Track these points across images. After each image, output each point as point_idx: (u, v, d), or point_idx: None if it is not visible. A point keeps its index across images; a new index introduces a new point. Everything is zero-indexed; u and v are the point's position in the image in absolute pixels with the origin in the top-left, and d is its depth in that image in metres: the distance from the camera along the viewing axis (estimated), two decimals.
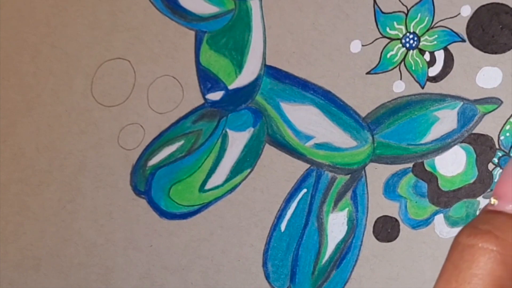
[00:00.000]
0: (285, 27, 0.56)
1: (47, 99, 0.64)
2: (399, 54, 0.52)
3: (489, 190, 0.52)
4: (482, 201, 0.50)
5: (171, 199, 0.59)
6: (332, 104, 0.54)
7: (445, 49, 0.51)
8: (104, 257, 0.62)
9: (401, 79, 0.52)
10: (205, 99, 0.59)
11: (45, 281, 0.64)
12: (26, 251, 0.65)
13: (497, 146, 0.49)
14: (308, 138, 0.55)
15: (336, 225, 0.54)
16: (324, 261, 0.54)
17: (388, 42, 0.53)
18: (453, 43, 0.51)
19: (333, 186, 0.54)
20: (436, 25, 0.51)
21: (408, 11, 0.52)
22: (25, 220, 0.65)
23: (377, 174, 0.53)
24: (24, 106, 0.65)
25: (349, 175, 0.54)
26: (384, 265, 0.53)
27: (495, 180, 0.49)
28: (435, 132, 0.51)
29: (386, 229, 0.53)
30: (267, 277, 0.56)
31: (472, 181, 0.50)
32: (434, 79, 0.51)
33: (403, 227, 0.53)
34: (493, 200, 0.40)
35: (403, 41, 0.52)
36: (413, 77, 0.52)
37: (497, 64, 0.49)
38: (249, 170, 0.57)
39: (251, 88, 0.57)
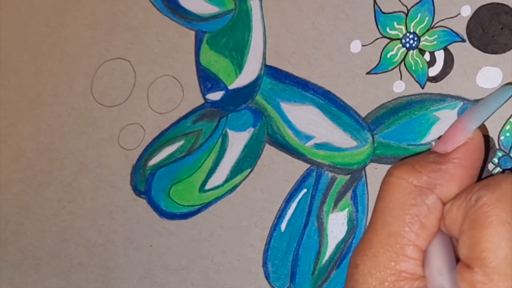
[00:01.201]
0: (285, 27, 0.56)
1: (47, 99, 0.64)
2: (399, 54, 0.52)
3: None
4: None
5: (171, 199, 0.59)
6: (332, 104, 0.54)
7: (445, 49, 0.51)
8: (104, 257, 0.62)
9: (401, 79, 0.52)
10: (205, 99, 0.59)
11: (45, 281, 0.64)
12: (26, 251, 0.65)
13: (497, 146, 0.49)
14: (308, 138, 0.55)
15: (336, 225, 0.54)
16: (324, 261, 0.54)
17: (388, 42, 0.53)
18: (453, 43, 0.51)
19: (333, 186, 0.54)
20: (436, 25, 0.51)
21: (408, 11, 0.52)
22: (25, 220, 0.65)
23: (377, 174, 0.53)
24: (24, 106, 0.65)
25: (349, 175, 0.54)
26: None
27: None
28: (436, 132, 0.51)
29: None
30: (267, 277, 0.56)
31: None
32: (434, 79, 0.51)
33: None
34: (433, 142, 0.42)
35: (403, 41, 0.52)
36: (413, 77, 0.52)
37: (497, 64, 0.49)
38: (249, 170, 0.57)
39: (251, 88, 0.57)
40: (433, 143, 0.42)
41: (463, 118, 0.42)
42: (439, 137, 0.43)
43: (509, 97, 0.44)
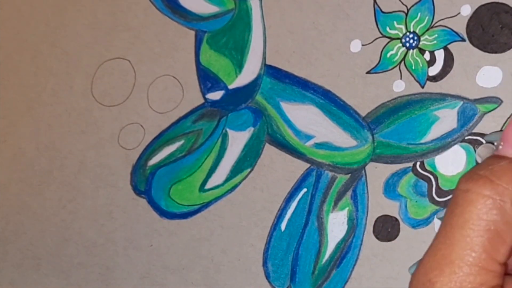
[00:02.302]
0: (285, 27, 0.56)
1: (47, 99, 0.64)
2: (399, 54, 0.52)
3: (491, 132, 0.52)
4: None
5: (171, 199, 0.59)
6: (332, 104, 0.54)
7: (445, 49, 0.51)
8: (104, 256, 0.62)
9: (401, 78, 0.52)
10: (205, 98, 0.59)
11: (45, 280, 0.64)
12: (26, 250, 0.65)
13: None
14: (308, 137, 0.55)
15: (336, 225, 0.54)
16: (324, 260, 0.54)
17: (388, 42, 0.53)
18: (453, 42, 0.51)
19: (333, 185, 0.54)
20: (436, 24, 0.51)
21: (408, 10, 0.52)
22: (25, 220, 0.65)
23: (377, 174, 0.53)
24: (24, 106, 0.65)
25: (349, 175, 0.54)
26: (384, 265, 0.53)
27: None
28: (435, 131, 0.51)
29: (386, 229, 0.53)
30: (267, 276, 0.56)
31: None
32: (434, 78, 0.51)
33: (403, 227, 0.53)
34: (499, 146, 0.39)
35: (403, 40, 0.52)
36: (413, 76, 0.52)
37: (497, 63, 0.49)
38: (249, 170, 0.57)
39: (251, 87, 0.57)
40: (497, 145, 0.41)
41: None
42: (495, 132, 0.42)
43: None
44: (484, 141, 0.51)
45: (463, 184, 0.38)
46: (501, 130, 0.48)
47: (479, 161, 0.46)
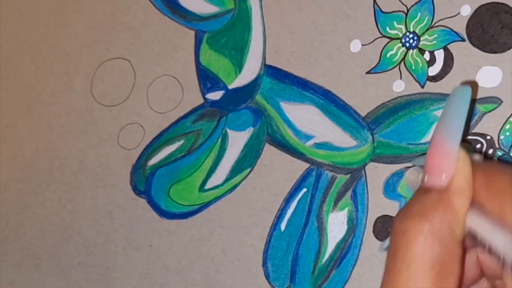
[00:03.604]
0: (285, 27, 0.56)
1: (47, 99, 0.64)
2: (399, 54, 0.52)
3: (419, 155, 0.52)
4: None
5: (171, 199, 0.59)
6: (332, 104, 0.54)
7: (445, 49, 0.51)
8: (104, 256, 0.62)
9: (401, 78, 0.52)
10: (205, 98, 0.59)
11: (45, 280, 0.64)
12: (26, 250, 0.65)
13: (497, 146, 0.49)
14: (308, 137, 0.55)
15: (336, 225, 0.54)
16: (324, 260, 0.54)
17: (388, 42, 0.53)
18: (453, 42, 0.51)
19: (333, 185, 0.54)
20: (436, 24, 0.51)
21: (408, 10, 0.52)
22: (25, 220, 0.65)
23: (377, 174, 0.53)
24: (24, 106, 0.65)
25: (349, 175, 0.54)
26: (384, 265, 0.53)
27: None
28: None
29: (386, 229, 0.53)
30: (267, 276, 0.56)
31: None
32: (434, 78, 0.51)
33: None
34: (425, 177, 0.39)
35: (403, 40, 0.52)
36: (413, 76, 0.52)
37: (497, 63, 0.49)
38: (249, 170, 0.57)
39: (251, 87, 0.57)
40: (422, 177, 0.40)
41: (441, 141, 0.38)
42: (422, 156, 0.42)
43: (470, 97, 0.40)
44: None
45: (399, 224, 0.38)
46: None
47: (407, 183, 0.46)
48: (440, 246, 0.37)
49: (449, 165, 0.38)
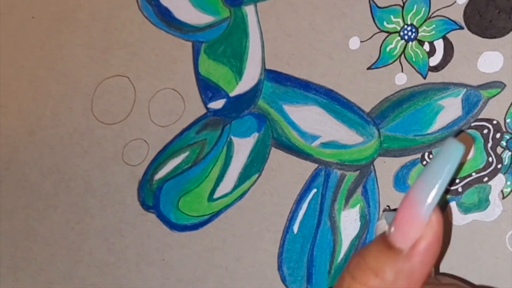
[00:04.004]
0: (282, 30, 0.56)
1: (47, 122, 0.64)
2: (398, 47, 0.52)
3: (386, 206, 0.53)
4: (493, 186, 0.50)
5: (180, 211, 0.59)
6: (335, 102, 0.54)
7: (444, 38, 0.51)
8: (117, 275, 0.61)
9: (402, 71, 0.52)
10: (207, 108, 0.59)
11: None
12: (37, 276, 0.64)
13: (504, 129, 0.49)
14: (314, 138, 0.55)
15: (349, 222, 0.54)
16: (339, 259, 0.54)
17: (387, 36, 0.53)
18: (452, 31, 0.51)
19: (343, 183, 0.54)
20: (433, 15, 0.51)
21: (404, 3, 0.52)
22: (34, 245, 0.65)
23: (386, 168, 0.53)
24: (25, 131, 0.65)
25: (358, 171, 0.54)
26: None
27: (505, 163, 0.49)
28: (441, 121, 0.51)
29: None
30: (283, 280, 0.56)
31: (481, 166, 0.50)
32: (436, 68, 0.51)
33: None
34: (391, 229, 0.37)
35: (401, 33, 0.52)
36: (414, 68, 0.52)
37: (497, 48, 0.50)
38: (257, 175, 0.57)
39: (253, 93, 0.57)
40: (390, 226, 0.38)
41: (414, 201, 0.35)
42: (393, 210, 0.41)
43: (460, 160, 0.35)
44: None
45: (351, 268, 0.38)
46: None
47: (376, 231, 0.45)
48: None
49: (415, 230, 0.35)
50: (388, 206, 0.53)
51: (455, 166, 0.34)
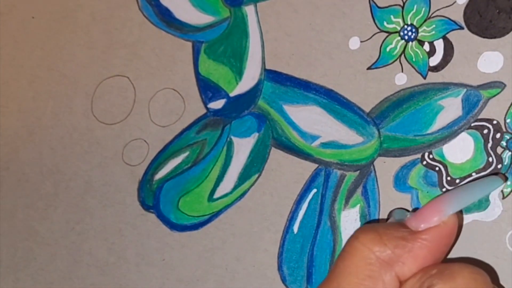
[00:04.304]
0: (282, 30, 0.56)
1: (47, 122, 0.64)
2: (398, 47, 0.52)
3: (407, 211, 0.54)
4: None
5: (180, 211, 0.59)
6: (335, 102, 0.54)
7: (444, 38, 0.51)
8: (117, 275, 0.61)
9: (402, 71, 0.52)
10: (207, 108, 0.59)
11: None
12: (37, 276, 0.64)
13: (504, 129, 0.49)
14: (314, 138, 0.55)
15: (349, 222, 0.54)
16: None
17: (387, 36, 0.53)
18: (452, 31, 0.51)
19: (343, 183, 0.54)
20: (433, 15, 0.51)
21: (404, 3, 0.52)
22: (34, 245, 0.65)
23: (386, 168, 0.53)
24: (25, 131, 0.65)
25: (358, 171, 0.54)
26: None
27: (505, 164, 0.49)
28: (441, 121, 0.51)
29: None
30: (283, 280, 0.56)
31: (482, 166, 0.50)
32: (436, 68, 0.51)
33: None
34: (409, 214, 0.41)
35: (401, 33, 0.52)
36: (414, 68, 0.52)
37: (497, 48, 0.50)
38: (257, 175, 0.57)
39: (253, 93, 0.57)
40: (409, 215, 0.42)
41: (443, 199, 0.42)
42: (416, 210, 0.44)
43: (495, 189, 0.45)
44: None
45: (358, 231, 0.40)
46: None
47: (393, 215, 0.48)
48: (377, 272, 0.39)
49: (433, 217, 0.40)
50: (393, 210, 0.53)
51: (488, 192, 0.44)
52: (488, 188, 0.44)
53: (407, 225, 0.41)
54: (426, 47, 0.52)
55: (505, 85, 0.49)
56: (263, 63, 0.57)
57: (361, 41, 0.54)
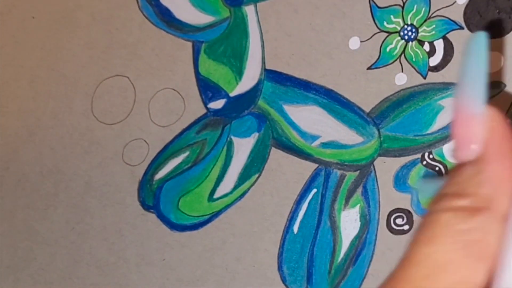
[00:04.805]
0: (282, 30, 0.56)
1: (47, 122, 0.64)
2: (398, 47, 0.52)
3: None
4: None
5: (180, 211, 0.59)
6: (335, 102, 0.54)
7: (444, 38, 0.51)
8: (117, 275, 0.61)
9: (402, 71, 0.52)
10: (207, 108, 0.59)
11: None
12: (37, 276, 0.64)
13: None
14: (314, 138, 0.55)
15: (349, 222, 0.54)
16: (340, 259, 0.54)
17: (387, 36, 0.53)
18: (452, 31, 0.51)
19: (343, 183, 0.54)
20: (433, 15, 0.51)
21: (404, 3, 0.52)
22: (34, 245, 0.65)
23: (386, 168, 0.53)
24: (25, 131, 0.65)
25: (358, 171, 0.54)
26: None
27: None
28: (441, 121, 0.51)
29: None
30: (283, 280, 0.56)
31: None
32: (436, 68, 0.51)
33: (417, 218, 0.53)
34: (454, 150, 0.33)
35: (402, 33, 0.52)
36: (414, 68, 0.52)
37: (497, 48, 0.50)
38: (257, 175, 0.57)
39: (253, 93, 0.57)
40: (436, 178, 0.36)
41: (462, 103, 0.32)
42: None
43: (486, 44, 0.33)
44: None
45: (432, 207, 0.31)
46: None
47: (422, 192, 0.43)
48: (477, 224, 0.31)
49: (476, 130, 0.32)
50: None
51: (484, 52, 0.32)
52: (481, 50, 0.33)
53: (461, 162, 0.32)
54: (426, 47, 0.52)
55: (505, 85, 0.49)
56: (263, 63, 0.57)
57: (361, 41, 0.54)
